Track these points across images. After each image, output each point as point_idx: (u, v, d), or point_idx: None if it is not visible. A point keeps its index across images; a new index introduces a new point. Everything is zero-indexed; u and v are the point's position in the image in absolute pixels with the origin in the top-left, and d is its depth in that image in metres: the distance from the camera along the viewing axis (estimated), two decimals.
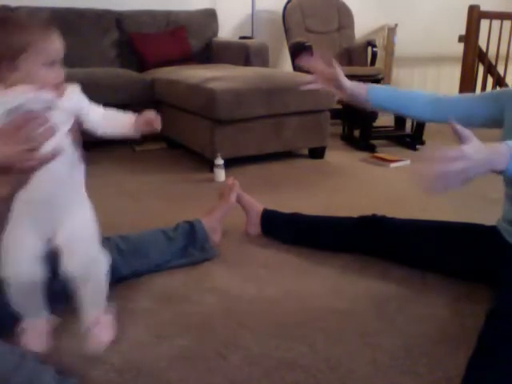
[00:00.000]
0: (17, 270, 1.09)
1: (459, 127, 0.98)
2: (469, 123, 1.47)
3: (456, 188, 0.95)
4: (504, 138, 1.37)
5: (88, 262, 1.13)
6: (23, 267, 1.09)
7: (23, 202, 0.99)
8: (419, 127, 3.31)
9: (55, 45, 0.99)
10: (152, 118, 1.16)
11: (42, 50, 0.96)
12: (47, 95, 0.98)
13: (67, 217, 1.10)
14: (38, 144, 0.86)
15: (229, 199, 1.79)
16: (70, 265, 1.11)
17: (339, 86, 1.50)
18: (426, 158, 0.94)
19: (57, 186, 1.06)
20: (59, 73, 1.01)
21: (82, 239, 1.13)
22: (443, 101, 1.49)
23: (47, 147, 0.89)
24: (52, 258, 1.31)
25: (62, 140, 1.01)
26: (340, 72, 1.49)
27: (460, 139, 0.98)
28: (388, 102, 1.54)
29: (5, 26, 0.94)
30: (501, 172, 0.99)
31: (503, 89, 1.51)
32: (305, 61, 1.52)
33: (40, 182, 0.94)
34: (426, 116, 1.53)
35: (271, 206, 1.87)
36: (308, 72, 1.55)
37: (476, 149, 0.96)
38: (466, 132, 0.98)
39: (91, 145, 3.11)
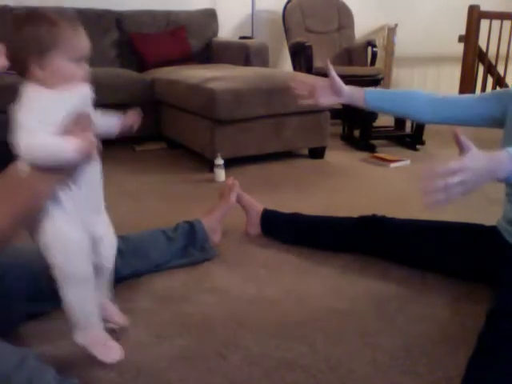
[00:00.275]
0: (81, 270, 1.06)
1: (462, 138, 0.99)
2: (469, 123, 1.48)
3: (457, 199, 0.96)
4: (506, 138, 1.37)
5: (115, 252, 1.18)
6: (85, 268, 1.07)
7: (68, 201, 1.02)
8: (419, 127, 3.31)
9: (83, 41, 0.99)
10: (132, 120, 1.15)
11: (71, 46, 0.96)
12: (91, 92, 1.02)
13: (102, 209, 1.14)
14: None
15: (229, 199, 1.79)
16: (108, 256, 1.15)
17: (337, 91, 1.50)
18: (427, 173, 0.95)
19: (96, 178, 1.10)
20: (85, 69, 1.01)
21: (112, 231, 1.17)
22: (443, 101, 1.49)
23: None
24: None
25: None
26: (336, 77, 1.49)
27: (460, 150, 0.99)
28: (386, 103, 1.55)
29: (34, 22, 0.94)
30: (503, 179, 1.01)
31: (505, 89, 1.51)
32: (297, 86, 1.53)
33: (82, 177, 1.02)
34: (426, 117, 1.53)
35: (271, 206, 1.87)
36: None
37: (476, 159, 0.97)
38: (466, 143, 0.99)
39: None
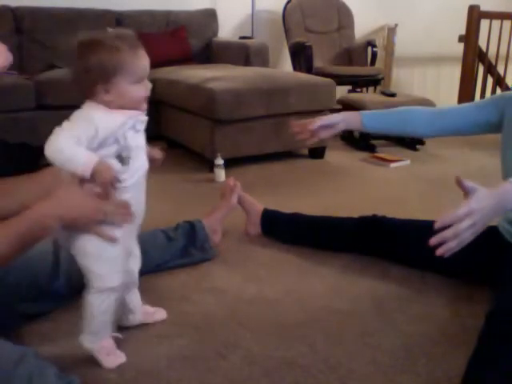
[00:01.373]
0: (115, 280, 1.10)
1: (465, 182, 1.03)
2: (467, 132, 1.50)
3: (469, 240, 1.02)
4: (504, 141, 1.38)
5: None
6: (119, 278, 1.11)
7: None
8: None
9: (143, 62, 1.03)
10: (156, 157, 1.18)
11: (133, 69, 1.01)
12: (142, 116, 1.06)
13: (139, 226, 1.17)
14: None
15: (230, 200, 1.79)
16: (136, 270, 1.22)
17: (332, 125, 1.52)
18: (437, 224, 0.99)
19: (141, 197, 1.13)
20: (147, 87, 1.05)
21: (138, 246, 1.23)
22: (439, 114, 1.51)
23: (138, 166, 1.06)
24: (54, 258, 1.32)
25: (144, 151, 1.10)
26: (324, 120, 1.51)
27: (465, 193, 1.03)
28: (383, 124, 1.57)
29: (97, 50, 0.99)
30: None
31: (500, 93, 1.52)
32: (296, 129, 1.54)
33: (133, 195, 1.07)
34: (424, 132, 1.55)
35: (271, 206, 1.87)
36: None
37: (482, 200, 1.01)
38: (470, 185, 1.03)
39: None
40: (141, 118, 1.06)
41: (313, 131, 1.52)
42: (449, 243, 1.00)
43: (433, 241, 1.01)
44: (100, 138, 1.00)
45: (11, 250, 1.00)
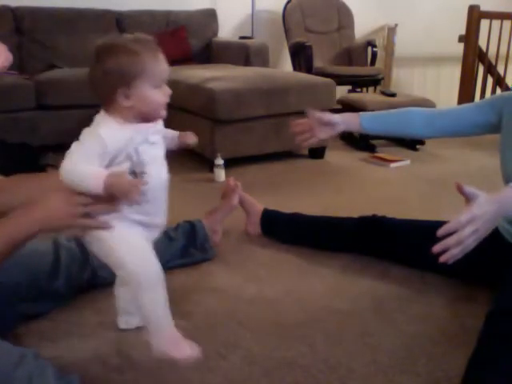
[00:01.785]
0: (152, 271, 1.05)
1: (466, 189, 1.03)
2: (467, 133, 1.50)
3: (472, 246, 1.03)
4: (503, 141, 1.38)
5: None
6: (155, 268, 1.05)
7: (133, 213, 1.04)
8: None
9: (163, 66, 1.01)
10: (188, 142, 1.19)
11: (153, 73, 0.99)
12: (154, 127, 1.04)
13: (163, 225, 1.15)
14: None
15: (231, 201, 1.79)
16: None
17: (331, 124, 1.52)
18: (440, 232, 1.00)
19: (161, 207, 1.11)
20: (167, 93, 1.03)
21: None
22: (438, 115, 1.51)
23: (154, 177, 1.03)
24: (54, 258, 1.32)
25: (162, 162, 1.09)
26: (318, 116, 1.50)
27: (466, 200, 1.03)
28: (382, 126, 1.56)
29: (117, 54, 0.97)
30: None
31: (501, 93, 1.53)
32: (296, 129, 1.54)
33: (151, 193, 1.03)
34: (423, 133, 1.55)
35: (271, 206, 1.87)
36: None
37: (484, 206, 1.01)
38: (471, 191, 1.03)
39: None
40: (152, 130, 1.04)
41: (312, 130, 1.52)
42: (452, 250, 1.01)
43: (436, 248, 1.01)
44: (110, 153, 0.98)
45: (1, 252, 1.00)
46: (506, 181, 1.39)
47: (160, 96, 1.02)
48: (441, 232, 1.00)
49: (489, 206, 1.02)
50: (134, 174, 1.01)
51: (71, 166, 0.97)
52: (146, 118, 1.02)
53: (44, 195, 1.03)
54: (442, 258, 1.02)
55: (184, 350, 1.03)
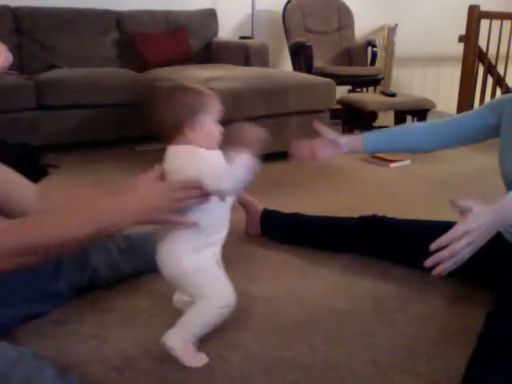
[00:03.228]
0: (230, 292, 1.16)
1: (460, 203, 1.03)
2: (468, 140, 1.51)
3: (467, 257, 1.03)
4: (502, 143, 1.38)
5: None
6: (232, 294, 1.16)
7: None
8: None
9: (219, 105, 1.16)
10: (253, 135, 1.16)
11: (214, 110, 1.14)
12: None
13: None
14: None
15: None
16: None
17: (335, 144, 1.53)
18: (434, 245, 1.01)
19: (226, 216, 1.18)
20: (221, 130, 1.16)
21: None
22: (438, 126, 1.52)
23: None
24: (55, 259, 1.31)
25: None
26: (327, 133, 1.52)
27: (461, 213, 1.03)
28: (384, 145, 1.58)
29: (185, 93, 1.12)
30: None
31: (499, 96, 1.53)
32: (296, 150, 1.56)
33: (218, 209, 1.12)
34: (426, 147, 1.56)
35: (271, 206, 1.87)
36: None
37: (479, 218, 1.02)
38: (465, 205, 1.03)
39: (90, 144, 3.12)
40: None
41: (314, 152, 1.52)
42: (445, 263, 1.02)
43: (428, 262, 1.02)
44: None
45: (84, 236, 1.02)
46: (506, 182, 1.40)
47: (217, 131, 1.15)
48: (434, 246, 1.01)
49: (484, 218, 1.02)
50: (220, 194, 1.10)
51: (225, 178, 1.04)
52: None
53: (141, 184, 1.08)
54: (435, 272, 1.02)
55: (195, 361, 1.13)
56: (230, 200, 1.15)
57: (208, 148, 1.11)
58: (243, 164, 1.05)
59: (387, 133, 1.59)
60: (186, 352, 1.13)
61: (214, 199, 1.08)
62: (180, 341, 1.13)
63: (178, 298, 1.28)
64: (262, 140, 1.10)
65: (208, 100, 1.13)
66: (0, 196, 1.15)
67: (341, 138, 1.53)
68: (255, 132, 1.12)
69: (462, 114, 1.52)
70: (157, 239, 1.14)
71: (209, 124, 1.12)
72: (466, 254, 1.02)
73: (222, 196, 1.09)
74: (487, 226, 1.03)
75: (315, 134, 1.55)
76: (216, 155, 1.11)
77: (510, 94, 1.47)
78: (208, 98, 1.13)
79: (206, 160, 1.08)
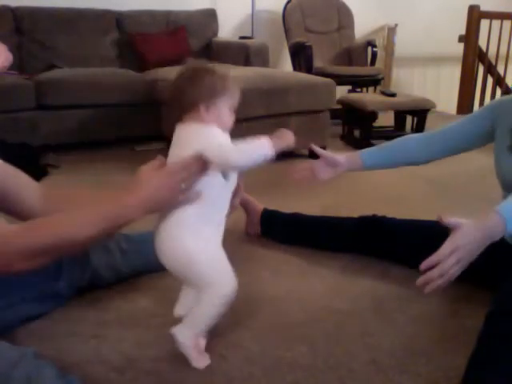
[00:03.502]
0: (233, 282, 1.14)
1: (447, 220, 1.05)
2: (466, 147, 1.51)
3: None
4: (497, 145, 1.38)
5: None
6: (234, 281, 1.15)
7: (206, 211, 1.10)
8: (419, 127, 3.31)
9: (238, 93, 1.17)
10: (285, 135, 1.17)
11: (233, 97, 1.15)
12: None
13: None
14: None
15: (232, 202, 1.78)
16: None
17: (333, 164, 1.55)
18: (423, 267, 1.03)
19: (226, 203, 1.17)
20: (233, 118, 1.17)
21: None
22: (434, 137, 1.53)
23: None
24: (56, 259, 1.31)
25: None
26: (326, 155, 1.55)
27: (451, 230, 1.05)
28: (383, 161, 1.59)
29: (211, 74, 1.12)
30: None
31: (492, 102, 1.53)
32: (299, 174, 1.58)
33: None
34: (424, 159, 1.57)
35: (271, 206, 1.87)
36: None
37: (467, 235, 1.03)
38: (454, 221, 1.04)
39: (90, 144, 3.12)
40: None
41: (312, 173, 1.54)
42: (435, 282, 1.03)
43: (419, 282, 1.04)
44: None
45: (97, 234, 1.05)
46: (502, 184, 1.40)
47: (230, 118, 1.15)
48: (423, 266, 1.02)
49: (473, 235, 1.03)
50: (224, 173, 1.11)
51: (236, 152, 1.05)
52: None
53: (143, 176, 1.09)
54: (426, 290, 1.04)
55: (202, 359, 1.13)
56: (232, 182, 1.15)
57: None
58: (258, 146, 1.06)
59: (386, 150, 1.59)
60: (196, 348, 1.12)
61: (218, 178, 1.09)
62: (190, 335, 1.12)
63: (182, 304, 1.25)
64: (289, 142, 1.12)
65: (230, 86, 1.14)
66: (10, 190, 1.16)
67: (340, 158, 1.55)
68: (286, 133, 1.15)
69: (457, 123, 1.51)
70: (156, 223, 1.12)
71: (224, 109, 1.13)
72: (456, 271, 1.03)
73: (227, 170, 1.09)
74: (475, 243, 1.03)
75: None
76: (224, 135, 1.12)
77: (503, 98, 1.47)
78: (231, 84, 1.14)
79: (214, 133, 1.09)
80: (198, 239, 1.08)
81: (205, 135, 1.09)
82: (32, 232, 1.02)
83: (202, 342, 1.15)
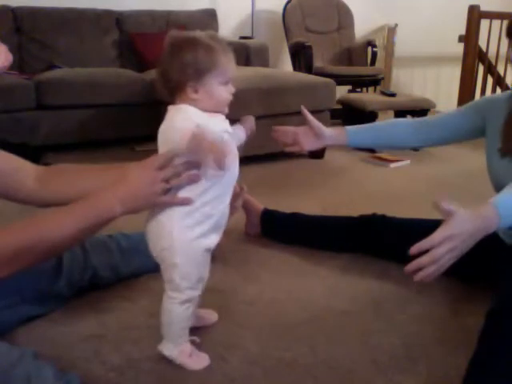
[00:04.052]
0: (200, 281, 1.11)
1: (444, 205, 0.99)
2: (454, 139, 1.51)
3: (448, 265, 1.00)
4: (488, 146, 1.38)
5: None
6: (203, 279, 1.13)
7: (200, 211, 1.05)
8: None
9: (232, 64, 1.04)
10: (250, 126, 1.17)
11: (224, 70, 1.02)
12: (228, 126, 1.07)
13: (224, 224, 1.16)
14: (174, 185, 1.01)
15: (234, 203, 1.78)
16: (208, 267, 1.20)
17: (318, 135, 1.51)
18: (413, 250, 0.98)
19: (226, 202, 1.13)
20: (231, 91, 1.06)
21: None
22: (424, 124, 1.52)
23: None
24: (56, 260, 1.31)
25: (236, 156, 1.12)
26: (313, 122, 1.51)
27: (444, 216, 1.00)
28: (369, 139, 1.57)
29: (193, 47, 0.99)
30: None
31: (483, 97, 1.53)
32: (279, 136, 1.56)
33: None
34: (411, 143, 1.55)
35: (271, 206, 1.87)
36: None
37: (461, 224, 0.98)
38: (449, 208, 0.99)
39: (90, 144, 3.12)
40: (226, 126, 1.06)
41: (296, 138, 1.52)
42: (426, 269, 0.98)
43: (408, 268, 0.99)
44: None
45: (79, 234, 1.03)
46: (493, 184, 1.40)
47: (225, 93, 1.04)
48: (414, 250, 0.97)
49: (468, 225, 0.99)
50: None
51: (170, 123, 1.01)
52: (210, 112, 1.04)
53: (126, 173, 1.06)
54: (416, 278, 0.99)
55: (196, 361, 1.12)
56: (232, 179, 1.12)
57: (214, 110, 1.04)
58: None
59: (373, 128, 1.58)
60: (184, 356, 1.11)
61: (211, 176, 1.03)
62: (172, 347, 1.11)
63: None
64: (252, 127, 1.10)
65: (218, 58, 1.00)
66: (2, 173, 1.17)
67: (325, 129, 1.52)
68: (250, 120, 1.14)
69: (448, 113, 1.51)
70: (149, 213, 1.08)
71: (215, 86, 1.01)
72: (447, 261, 0.98)
73: (213, 168, 0.99)
74: (470, 233, 0.99)
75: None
76: (196, 115, 1.00)
77: (492, 96, 1.47)
78: (219, 55, 1.00)
79: (182, 117, 1.01)
80: (185, 232, 1.04)
81: (168, 120, 1.03)
82: (8, 234, 0.99)
83: (188, 347, 1.13)
